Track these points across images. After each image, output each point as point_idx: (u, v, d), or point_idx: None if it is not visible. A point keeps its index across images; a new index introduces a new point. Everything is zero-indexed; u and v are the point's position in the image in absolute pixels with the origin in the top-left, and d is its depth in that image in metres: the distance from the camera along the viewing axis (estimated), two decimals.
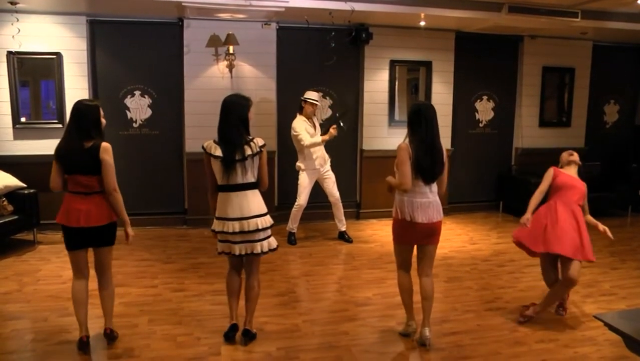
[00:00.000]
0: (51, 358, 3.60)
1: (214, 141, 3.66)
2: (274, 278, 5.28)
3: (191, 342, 3.84)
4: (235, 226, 3.65)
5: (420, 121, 3.73)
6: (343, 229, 6.68)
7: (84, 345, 3.64)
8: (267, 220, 3.78)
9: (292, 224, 6.51)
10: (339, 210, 6.58)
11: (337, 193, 6.50)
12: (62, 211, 3.59)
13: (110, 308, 3.79)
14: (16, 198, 5.99)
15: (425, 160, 3.69)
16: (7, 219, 5.82)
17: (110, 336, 3.77)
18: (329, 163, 6.44)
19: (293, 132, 6.19)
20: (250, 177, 3.68)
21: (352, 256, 6.08)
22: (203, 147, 3.69)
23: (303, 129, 6.14)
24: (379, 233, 7.05)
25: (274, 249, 3.87)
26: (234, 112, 3.65)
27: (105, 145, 3.57)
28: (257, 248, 3.74)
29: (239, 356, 3.68)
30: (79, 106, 3.63)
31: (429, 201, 3.75)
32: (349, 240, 6.60)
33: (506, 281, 5.26)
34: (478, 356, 3.75)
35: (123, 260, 5.71)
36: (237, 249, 3.72)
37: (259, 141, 3.68)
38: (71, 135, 3.57)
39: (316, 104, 6.30)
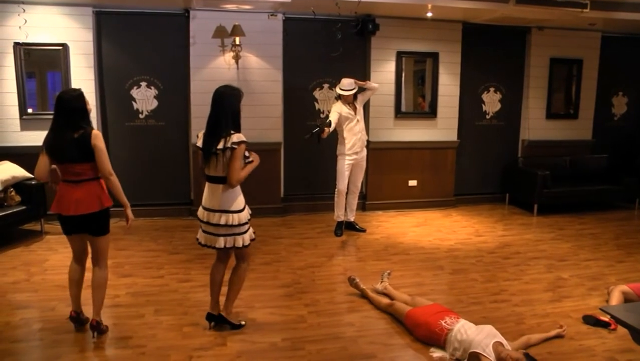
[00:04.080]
0: (59, 347, 3.63)
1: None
2: (280, 269, 5.30)
3: (197, 332, 3.86)
4: (204, 215, 3.71)
5: None
6: (352, 219, 6.71)
7: (73, 319, 3.81)
8: (236, 218, 3.67)
9: (338, 211, 6.53)
10: (354, 199, 6.67)
11: (360, 184, 6.62)
12: (55, 200, 3.63)
13: (99, 299, 3.73)
14: (23, 189, 6.02)
15: None
16: (14, 210, 5.85)
17: (96, 328, 3.70)
18: (365, 151, 6.48)
19: None
20: (220, 172, 3.63)
21: (358, 248, 6.09)
22: (197, 136, 3.82)
23: (335, 110, 6.24)
24: (384, 224, 7.05)
25: (243, 247, 3.76)
26: (224, 104, 3.63)
27: (95, 132, 3.57)
28: (220, 242, 3.70)
29: (244, 346, 3.70)
30: (63, 96, 3.59)
31: None
32: (361, 230, 6.67)
33: (512, 274, 5.26)
34: None
35: (130, 250, 5.75)
36: (203, 238, 3.80)
37: (235, 137, 3.56)
38: (59, 126, 3.55)
39: (347, 94, 6.20)
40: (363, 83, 6.41)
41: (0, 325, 3.94)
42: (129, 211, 3.79)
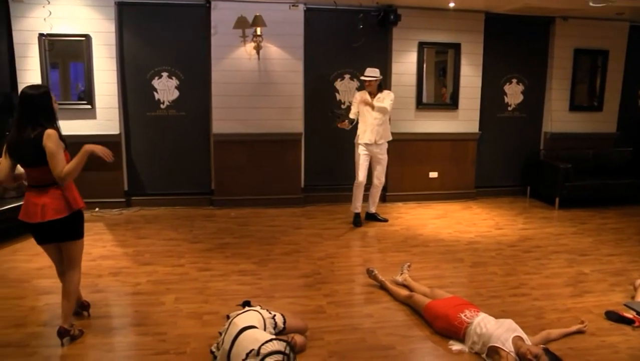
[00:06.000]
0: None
1: None
2: (299, 259, 5.32)
3: (217, 321, 3.89)
4: None
5: None
6: (373, 211, 6.74)
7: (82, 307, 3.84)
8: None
9: (356, 203, 6.53)
10: (376, 192, 6.70)
11: (383, 178, 6.63)
12: (23, 207, 3.40)
13: (67, 308, 3.53)
14: None
15: None
16: None
17: (62, 334, 3.46)
18: (385, 145, 6.45)
19: None
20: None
21: (378, 239, 6.08)
22: None
23: (356, 101, 6.34)
24: (404, 216, 7.03)
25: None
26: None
27: (48, 132, 3.27)
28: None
29: None
30: (27, 92, 3.33)
31: None
32: (383, 220, 6.71)
33: (532, 267, 5.21)
34: None
35: (151, 239, 5.82)
36: None
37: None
38: (20, 126, 3.30)
39: (369, 81, 6.24)
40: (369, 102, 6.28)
41: (26, 310, 4.03)
42: (97, 150, 3.40)
